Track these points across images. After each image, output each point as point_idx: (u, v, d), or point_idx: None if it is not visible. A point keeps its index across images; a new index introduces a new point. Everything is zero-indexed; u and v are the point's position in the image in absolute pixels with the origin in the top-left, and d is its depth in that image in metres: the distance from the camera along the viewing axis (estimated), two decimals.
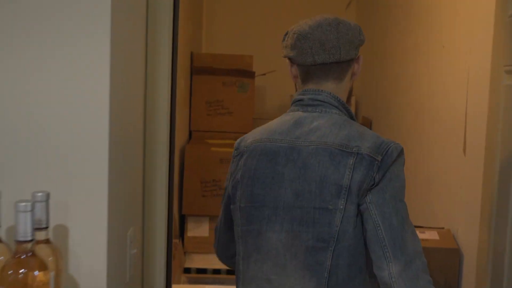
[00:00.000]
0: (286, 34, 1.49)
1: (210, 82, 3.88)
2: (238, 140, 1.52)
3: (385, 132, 3.30)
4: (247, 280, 1.44)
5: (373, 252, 1.33)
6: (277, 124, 1.47)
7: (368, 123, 3.74)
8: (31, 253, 0.99)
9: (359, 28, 1.47)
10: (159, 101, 1.55)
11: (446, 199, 2.40)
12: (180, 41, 1.69)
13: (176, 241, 3.24)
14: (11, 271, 0.99)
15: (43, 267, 1.01)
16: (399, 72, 3.22)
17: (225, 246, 1.58)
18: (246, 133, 1.56)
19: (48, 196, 1.06)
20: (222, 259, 1.63)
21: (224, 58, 4.00)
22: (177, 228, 3.45)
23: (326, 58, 1.43)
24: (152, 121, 1.54)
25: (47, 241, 1.07)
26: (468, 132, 2.16)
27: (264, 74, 4.04)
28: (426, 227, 2.30)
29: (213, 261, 3.15)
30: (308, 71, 1.46)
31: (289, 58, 1.48)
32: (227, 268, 2.16)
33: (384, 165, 1.34)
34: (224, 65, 3.96)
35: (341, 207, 1.34)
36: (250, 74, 3.88)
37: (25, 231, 0.98)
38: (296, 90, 1.52)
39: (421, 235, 2.15)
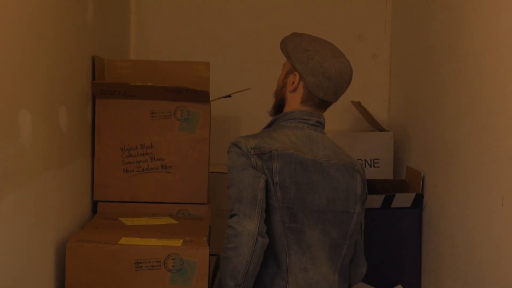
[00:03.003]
0: (308, 50, 2.42)
1: (128, 111, 2.77)
2: (243, 139, 2.34)
3: (448, 199, 2.60)
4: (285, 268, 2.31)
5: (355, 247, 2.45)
6: (295, 137, 2.36)
7: (417, 178, 3.00)
8: None
9: None
10: None
11: None
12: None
13: None
14: None
15: None
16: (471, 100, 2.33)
17: (263, 221, 2.25)
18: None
19: None
20: (261, 234, 2.23)
21: (156, 68, 2.90)
22: None
23: (331, 99, 2.44)
24: None
25: None
26: None
27: (229, 96, 2.93)
28: None
29: None
30: (312, 98, 2.43)
31: (301, 75, 2.42)
32: None
33: (365, 179, 2.46)
34: (156, 80, 2.82)
35: (357, 210, 2.40)
36: (202, 96, 2.71)
37: None
38: (283, 96, 2.50)
39: None
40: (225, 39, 3.66)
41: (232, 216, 2.26)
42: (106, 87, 2.70)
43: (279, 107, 2.51)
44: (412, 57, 3.30)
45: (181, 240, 2.34)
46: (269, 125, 2.49)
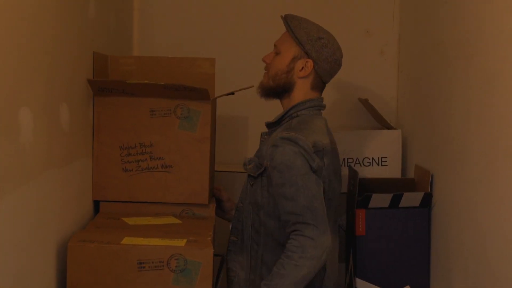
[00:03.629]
0: (321, 38, 2.59)
1: (127, 109, 2.76)
2: (301, 136, 2.44)
3: (458, 198, 2.62)
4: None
5: None
6: (325, 127, 2.60)
7: (426, 177, 2.99)
8: None
9: None
10: None
11: None
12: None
13: None
14: None
15: None
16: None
17: None
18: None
19: None
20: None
21: (160, 65, 2.92)
22: None
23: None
24: None
25: None
26: None
27: (232, 93, 2.92)
28: None
29: None
30: (321, 83, 2.64)
31: (316, 62, 2.58)
32: None
33: None
34: (159, 77, 2.84)
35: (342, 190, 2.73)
36: (202, 94, 2.71)
37: None
38: (289, 80, 2.61)
39: None
40: (230, 36, 3.67)
41: (306, 223, 2.37)
42: (103, 84, 2.70)
43: (283, 91, 2.62)
44: (421, 53, 3.30)
45: (185, 240, 2.36)
46: (286, 113, 2.61)
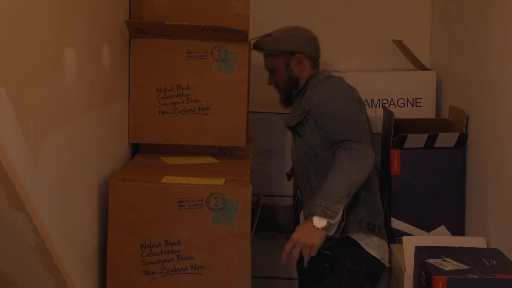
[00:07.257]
0: (289, 35, 2.91)
1: (163, 51, 2.82)
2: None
3: (493, 138, 2.65)
4: None
5: None
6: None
7: (461, 117, 3.02)
8: None
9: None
10: None
11: None
12: None
13: None
14: None
15: None
16: None
17: None
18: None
19: None
20: None
21: (194, 5, 2.94)
22: None
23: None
24: None
25: None
26: None
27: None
28: None
29: None
30: (317, 61, 2.97)
31: (300, 52, 2.89)
32: None
33: None
34: (193, 17, 2.88)
35: None
36: (241, 36, 2.78)
37: None
38: (294, 80, 2.94)
39: None
40: None
41: (349, 140, 2.66)
42: (141, 26, 2.76)
43: (296, 87, 2.93)
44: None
45: (224, 179, 2.46)
46: (305, 85, 2.89)
